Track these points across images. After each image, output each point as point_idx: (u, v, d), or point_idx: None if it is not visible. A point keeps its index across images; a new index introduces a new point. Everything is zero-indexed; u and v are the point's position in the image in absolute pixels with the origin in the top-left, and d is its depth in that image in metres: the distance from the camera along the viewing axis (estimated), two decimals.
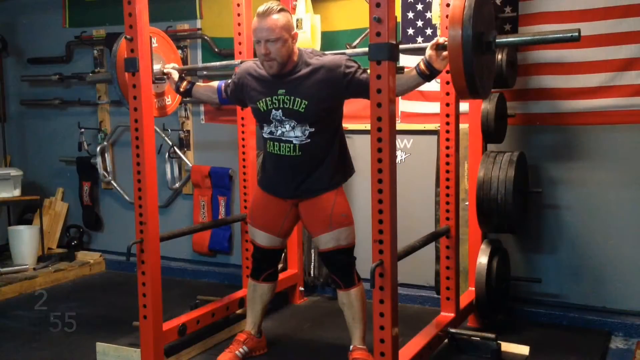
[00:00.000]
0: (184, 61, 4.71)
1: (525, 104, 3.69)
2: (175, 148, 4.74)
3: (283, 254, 3.98)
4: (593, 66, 3.50)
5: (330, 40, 4.08)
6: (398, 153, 3.99)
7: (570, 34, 2.41)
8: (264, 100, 2.87)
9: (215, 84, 3.21)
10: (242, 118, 3.72)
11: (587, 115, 3.56)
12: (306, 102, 2.78)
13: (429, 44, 2.58)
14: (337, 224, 2.87)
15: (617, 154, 3.53)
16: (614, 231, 3.56)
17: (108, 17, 5.01)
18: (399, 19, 3.92)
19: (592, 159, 3.58)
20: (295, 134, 2.83)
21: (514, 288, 3.67)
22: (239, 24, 3.62)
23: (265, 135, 2.93)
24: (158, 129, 4.51)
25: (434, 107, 3.67)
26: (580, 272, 3.65)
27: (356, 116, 4.06)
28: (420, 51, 2.74)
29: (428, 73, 2.59)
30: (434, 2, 3.63)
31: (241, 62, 3.15)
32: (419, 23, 3.91)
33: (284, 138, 2.85)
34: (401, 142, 4.01)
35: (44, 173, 5.50)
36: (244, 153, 3.74)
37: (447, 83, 3.16)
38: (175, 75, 3.26)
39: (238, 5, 3.62)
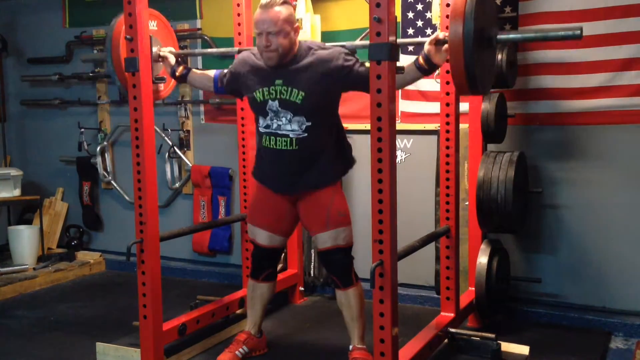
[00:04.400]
0: (184, 62, 4.70)
1: (525, 104, 3.68)
2: (175, 148, 4.74)
3: (283, 254, 3.98)
4: (593, 66, 3.50)
5: (330, 40, 4.06)
6: (398, 153, 3.99)
7: (572, 32, 2.40)
8: (260, 90, 2.84)
9: (212, 72, 3.18)
10: (242, 118, 3.72)
11: (587, 115, 3.55)
12: (303, 94, 2.76)
13: (428, 39, 2.58)
14: (334, 223, 2.86)
15: (617, 153, 3.53)
16: (614, 231, 3.56)
17: (108, 17, 4.93)
18: (399, 19, 3.92)
19: (592, 159, 3.58)
20: (292, 127, 2.80)
21: (514, 288, 3.67)
22: (239, 24, 3.63)
23: (261, 129, 2.90)
24: (158, 129, 4.51)
25: (434, 107, 3.67)
26: (580, 272, 3.65)
27: (356, 116, 4.05)
28: (420, 46, 2.74)
29: (427, 67, 2.60)
30: (434, 2, 3.63)
31: (239, 51, 3.14)
32: (419, 23, 3.91)
33: (280, 132, 2.82)
34: (401, 142, 4.01)
35: (44, 173, 5.49)
36: (244, 153, 3.74)
37: (447, 83, 3.15)
38: (172, 59, 3.18)
39: (238, 5, 3.62)
